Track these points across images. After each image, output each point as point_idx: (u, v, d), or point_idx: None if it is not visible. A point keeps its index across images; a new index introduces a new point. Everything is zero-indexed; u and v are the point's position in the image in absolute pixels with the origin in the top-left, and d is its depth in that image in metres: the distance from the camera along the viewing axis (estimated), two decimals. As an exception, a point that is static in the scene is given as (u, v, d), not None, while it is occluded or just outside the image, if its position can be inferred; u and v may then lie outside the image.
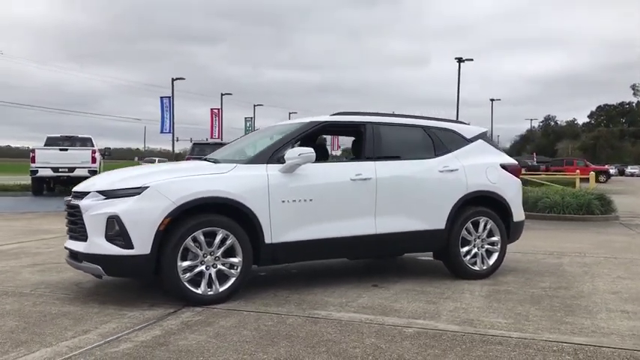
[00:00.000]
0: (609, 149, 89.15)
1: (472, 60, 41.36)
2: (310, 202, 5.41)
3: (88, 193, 5.06)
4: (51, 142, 20.01)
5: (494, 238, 6.36)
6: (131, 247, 4.77)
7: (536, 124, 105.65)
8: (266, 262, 5.39)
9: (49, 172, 18.50)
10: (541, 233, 10.86)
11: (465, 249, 6.19)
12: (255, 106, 58.16)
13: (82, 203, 5.01)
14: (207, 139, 19.58)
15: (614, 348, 3.95)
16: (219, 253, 5.03)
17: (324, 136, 10.20)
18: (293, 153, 5.31)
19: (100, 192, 4.98)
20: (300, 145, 6.35)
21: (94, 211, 4.90)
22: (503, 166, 6.53)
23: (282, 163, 5.35)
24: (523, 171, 34.03)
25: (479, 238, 6.28)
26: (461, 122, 6.81)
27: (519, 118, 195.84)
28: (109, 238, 4.82)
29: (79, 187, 5.33)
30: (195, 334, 4.19)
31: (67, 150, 19.00)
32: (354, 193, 5.64)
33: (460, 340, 4.09)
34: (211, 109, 46.09)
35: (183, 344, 3.96)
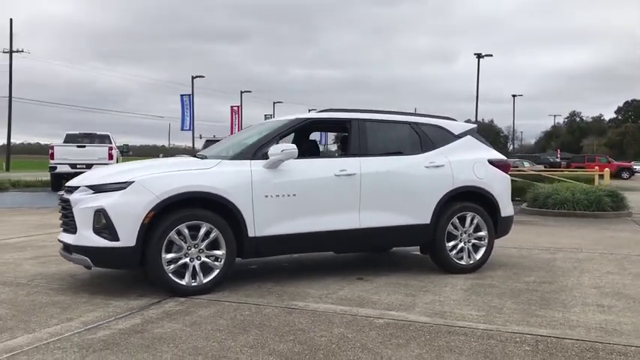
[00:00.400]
0: (636, 145, 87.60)
1: (491, 55, 41.01)
2: (293, 197, 5.55)
3: (79, 187, 5.27)
4: (70, 139, 20.47)
5: (482, 233, 6.43)
6: (117, 239, 4.97)
7: (560, 120, 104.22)
8: (250, 255, 5.55)
9: (67, 169, 18.94)
10: (545, 229, 10.86)
11: (451, 243, 6.28)
12: (274, 103, 58.53)
13: (72, 197, 5.23)
14: (214, 136, 19.78)
15: (575, 340, 4.03)
16: (202, 245, 5.20)
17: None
18: (276, 149, 5.45)
19: (89, 186, 5.19)
20: (294, 141, 6.52)
21: (83, 204, 5.10)
22: (491, 162, 6.59)
23: (267, 159, 5.50)
24: (543, 167, 33.68)
25: (465, 232, 6.36)
26: (449, 118, 6.88)
27: (543, 114, 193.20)
28: (97, 231, 5.02)
29: (71, 182, 5.55)
30: (173, 322, 4.37)
31: (84, 147, 19.43)
32: (338, 189, 5.76)
33: (426, 331, 4.20)
34: (231, 106, 46.52)
35: (159, 332, 4.14)
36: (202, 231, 5.19)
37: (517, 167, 28.79)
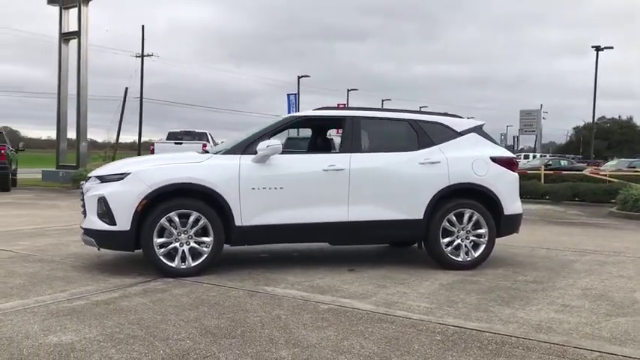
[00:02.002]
0: None
1: (612, 48, 38.42)
2: (281, 189, 5.93)
3: (91, 177, 6.02)
4: (171, 136, 22.09)
5: (481, 231, 6.43)
6: (114, 224, 5.63)
7: None
8: (238, 243, 6.01)
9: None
10: (612, 232, 10.39)
11: (447, 240, 6.34)
12: (382, 100, 58.60)
13: (85, 186, 5.98)
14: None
15: (494, 333, 4.08)
16: (192, 232, 5.74)
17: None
18: (263, 145, 5.86)
19: (97, 177, 5.90)
20: (311, 138, 6.92)
21: (91, 192, 5.83)
22: (494, 159, 6.55)
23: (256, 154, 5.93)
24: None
25: (463, 229, 6.39)
26: (454, 116, 6.90)
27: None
28: (99, 216, 5.72)
29: (89, 173, 6.31)
30: (143, 298, 4.93)
31: (181, 143, 20.88)
32: (326, 183, 6.06)
33: (357, 317, 4.42)
34: (338, 104, 47.27)
35: (124, 305, 4.70)
36: (191, 219, 5.71)
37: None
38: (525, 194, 18.53)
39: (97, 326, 4.09)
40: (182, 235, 5.72)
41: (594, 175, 20.90)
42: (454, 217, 6.36)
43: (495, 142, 6.87)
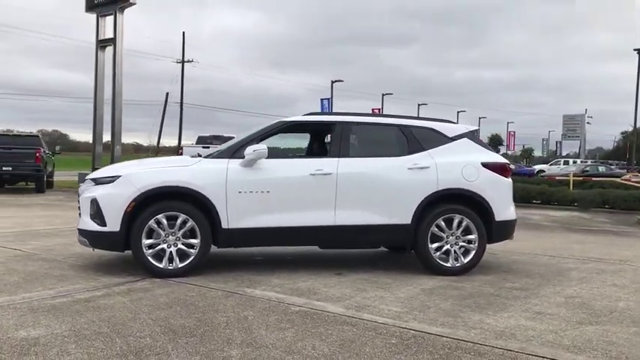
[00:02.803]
0: None
1: (654, 51, 37.27)
2: (267, 193, 6.04)
3: (87, 179, 6.25)
4: (200, 140, 22.54)
5: (471, 237, 6.40)
6: (105, 225, 5.84)
7: None
8: (224, 245, 6.14)
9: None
10: (617, 240, 10.16)
11: (435, 245, 6.34)
12: (419, 105, 58.29)
13: (80, 188, 6.22)
14: None
15: (452, 339, 4.09)
16: (179, 234, 5.90)
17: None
18: (249, 149, 5.99)
19: (92, 179, 6.13)
20: (309, 143, 7.04)
21: (85, 194, 6.06)
22: (486, 165, 6.51)
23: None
24: None
25: (452, 235, 6.38)
26: (447, 121, 6.90)
27: None
28: (92, 217, 5.94)
29: (87, 176, 6.55)
30: (124, 297, 5.10)
31: (208, 147, 21.28)
32: (313, 187, 6.14)
33: (321, 320, 4.49)
34: (372, 109, 47.34)
35: (103, 303, 4.89)
36: (179, 221, 5.88)
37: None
38: (553, 201, 18.24)
39: (68, 323, 4.27)
40: (170, 236, 5.89)
41: (627, 183, 20.36)
42: (443, 223, 6.35)
43: (488, 148, 6.84)
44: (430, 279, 6.14)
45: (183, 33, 50.99)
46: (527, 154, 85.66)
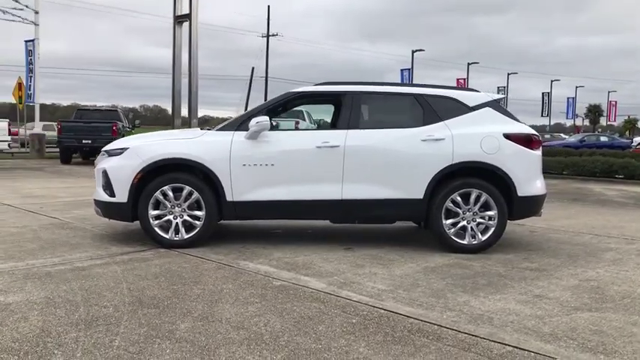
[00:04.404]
0: None
1: None
2: (272, 166, 5.94)
3: (102, 151, 6.41)
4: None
5: (490, 213, 6.02)
6: (114, 195, 5.98)
7: None
8: (229, 218, 6.13)
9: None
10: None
11: (450, 221, 6.02)
12: (508, 74, 55.70)
13: (96, 159, 6.39)
14: None
15: (423, 321, 3.86)
16: (185, 205, 5.94)
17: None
18: (253, 122, 5.90)
19: (106, 151, 6.28)
20: (333, 114, 6.88)
21: (98, 165, 6.22)
22: (508, 136, 6.07)
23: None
24: None
25: (469, 211, 6.02)
26: (469, 89, 6.46)
27: None
28: (103, 188, 6.10)
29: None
30: (119, 266, 5.21)
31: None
32: (320, 160, 5.97)
33: (294, 296, 4.37)
34: (457, 79, 45.82)
35: (96, 272, 5.01)
36: (184, 193, 5.91)
37: None
38: (637, 176, 16.92)
39: (48, 290, 4.40)
40: (176, 208, 5.94)
41: None
42: (459, 198, 6.00)
43: (513, 118, 6.35)
44: (442, 256, 5.85)
45: (268, 7, 51.26)
46: (630, 125, 79.98)
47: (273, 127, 6.55)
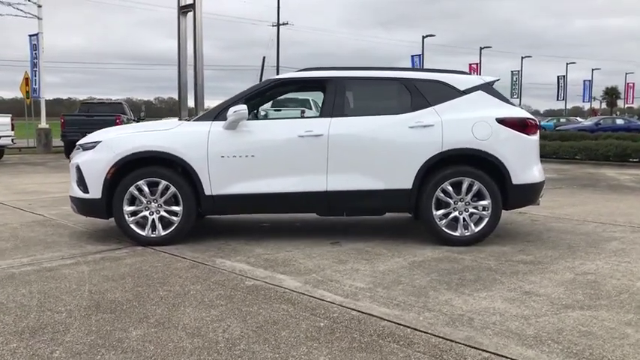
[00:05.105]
0: None
1: None
2: (252, 157, 5.64)
3: (77, 145, 6.16)
4: (275, 104, 22.40)
5: (483, 202, 5.68)
6: (87, 191, 5.73)
7: None
8: (209, 212, 5.87)
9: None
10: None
11: (441, 212, 5.69)
12: (522, 58, 54.72)
13: (72, 154, 6.14)
14: None
15: (396, 324, 3.55)
16: (161, 201, 5.67)
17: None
18: (230, 111, 5.60)
19: (80, 145, 6.02)
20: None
21: (72, 160, 5.97)
22: (502, 121, 5.71)
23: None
24: None
25: (461, 201, 5.68)
26: (460, 72, 6.09)
27: None
28: (77, 184, 5.85)
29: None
30: (88, 266, 4.96)
31: (280, 110, 21.12)
32: (302, 150, 5.66)
33: (264, 297, 4.09)
34: (469, 64, 45.07)
35: (61, 272, 4.76)
36: (160, 187, 5.64)
37: None
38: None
39: (5, 294, 4.16)
40: (152, 203, 5.68)
41: None
42: (450, 187, 5.66)
43: (507, 101, 5.98)
44: (433, 250, 5.52)
45: (278, -5, 50.64)
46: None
47: (260, 117, 6.28)
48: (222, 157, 5.62)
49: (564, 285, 4.38)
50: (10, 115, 18.57)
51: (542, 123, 41.79)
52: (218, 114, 5.76)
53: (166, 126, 5.86)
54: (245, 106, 5.59)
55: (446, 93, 5.82)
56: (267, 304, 3.91)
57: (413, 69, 6.10)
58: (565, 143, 18.68)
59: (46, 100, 24.26)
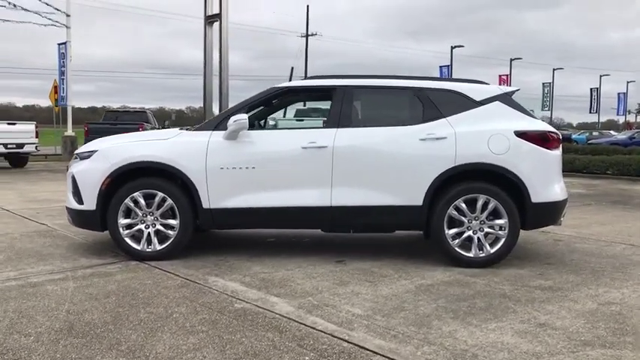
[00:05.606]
0: None
1: None
2: (252, 169, 5.34)
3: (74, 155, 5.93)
4: (298, 113, 22.18)
5: (500, 221, 5.27)
6: (82, 202, 5.48)
7: None
8: (207, 227, 5.57)
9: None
10: None
11: (453, 231, 5.30)
12: (554, 70, 53.59)
13: (69, 163, 5.92)
14: None
15: (385, 357, 3.18)
16: (157, 214, 5.39)
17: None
18: (231, 120, 5.31)
19: (77, 154, 5.80)
20: None
21: (69, 170, 5.74)
22: (520, 134, 5.30)
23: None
24: None
25: (476, 219, 5.29)
26: (476, 82, 5.71)
27: None
28: (72, 194, 5.61)
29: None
30: (75, 282, 4.70)
31: (302, 120, 20.86)
32: (306, 162, 5.34)
33: (252, 323, 3.76)
34: (499, 75, 44.26)
35: (45, 289, 4.51)
36: (157, 199, 5.37)
37: None
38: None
39: (-21, 312, 3.91)
40: (148, 216, 5.41)
41: None
42: (464, 205, 5.27)
43: (528, 113, 5.57)
44: (444, 272, 5.13)
45: (307, 6, 50.68)
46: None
47: (269, 127, 6.00)
48: (222, 168, 5.33)
49: (585, 316, 3.95)
50: (35, 122, 18.67)
51: (573, 136, 40.84)
52: (219, 123, 5.48)
53: (165, 135, 5.59)
54: (245, 116, 5.29)
55: (460, 103, 5.45)
56: (251, 332, 3.58)
57: (425, 78, 5.71)
58: (596, 157, 18.01)
59: (80, 109, 24.51)
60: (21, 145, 17.61)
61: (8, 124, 17.70)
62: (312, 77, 5.84)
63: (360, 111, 5.60)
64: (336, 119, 5.44)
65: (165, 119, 28.52)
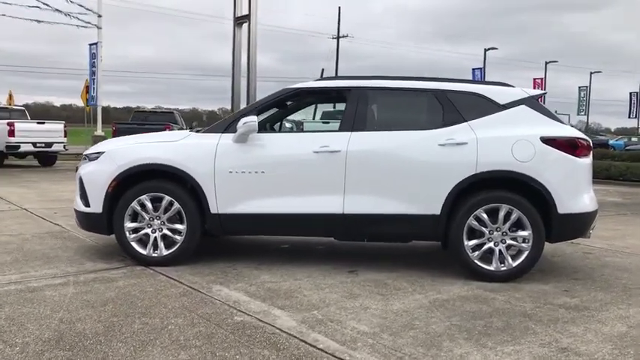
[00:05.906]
0: None
1: None
2: (262, 174, 5.13)
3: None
4: (324, 115, 21.96)
5: (523, 233, 4.95)
6: (88, 205, 5.34)
7: None
8: (215, 232, 5.37)
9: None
10: None
11: (473, 242, 5.00)
12: (591, 73, 52.27)
13: (77, 165, 5.79)
14: None
15: (383, 385, 2.91)
16: (164, 218, 5.22)
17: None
18: (240, 122, 5.11)
19: (86, 155, 5.66)
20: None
21: (78, 171, 5.61)
22: (546, 140, 4.97)
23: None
24: None
25: (497, 230, 4.97)
26: (501, 84, 5.39)
27: None
28: (80, 196, 5.48)
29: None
30: (75, 288, 4.55)
31: (328, 123, 20.63)
32: (317, 167, 5.11)
33: (249, 339, 3.54)
34: (534, 79, 43.34)
35: (43, 294, 4.37)
36: (164, 203, 5.20)
37: None
38: None
39: (-30, 318, 3.77)
40: (155, 220, 5.24)
41: None
42: (485, 215, 4.96)
43: (555, 118, 5.23)
44: (462, 286, 4.84)
45: (339, 8, 50.52)
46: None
47: (285, 130, 5.79)
48: (230, 172, 5.13)
49: (612, 341, 3.62)
50: (64, 122, 18.85)
51: (610, 142, 39.70)
52: (228, 125, 5.28)
53: (173, 137, 5.42)
54: (255, 118, 5.08)
55: (483, 107, 5.14)
56: (247, 349, 3.35)
57: (446, 79, 5.41)
58: (634, 164, 17.33)
59: (116, 108, 24.67)
60: (50, 144, 17.79)
61: (37, 123, 17.90)
62: (326, 78, 5.60)
63: (375, 114, 5.34)
64: (350, 122, 5.19)
65: (196, 120, 28.60)
